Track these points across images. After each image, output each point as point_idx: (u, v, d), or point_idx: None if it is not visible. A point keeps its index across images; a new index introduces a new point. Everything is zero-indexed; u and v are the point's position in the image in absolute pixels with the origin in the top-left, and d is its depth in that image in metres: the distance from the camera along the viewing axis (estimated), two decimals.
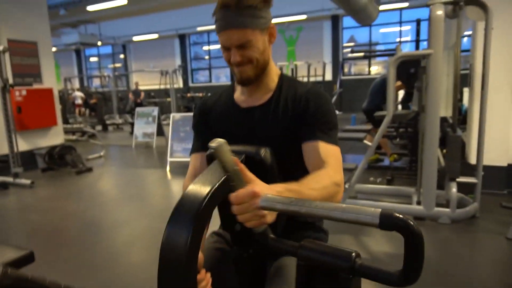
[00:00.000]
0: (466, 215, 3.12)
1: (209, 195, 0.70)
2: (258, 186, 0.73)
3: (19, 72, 5.77)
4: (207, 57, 17.63)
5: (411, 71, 4.15)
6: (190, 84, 17.34)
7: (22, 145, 5.59)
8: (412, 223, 0.56)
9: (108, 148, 7.83)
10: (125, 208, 4.01)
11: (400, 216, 0.56)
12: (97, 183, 5.24)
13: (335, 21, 14.09)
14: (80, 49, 19.13)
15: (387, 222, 0.56)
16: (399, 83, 4.18)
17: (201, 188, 0.72)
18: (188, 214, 0.68)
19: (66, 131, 7.87)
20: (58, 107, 6.47)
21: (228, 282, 1.05)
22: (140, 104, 10.97)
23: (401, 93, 6.45)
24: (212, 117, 1.16)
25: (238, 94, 1.14)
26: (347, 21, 13.81)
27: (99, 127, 11.35)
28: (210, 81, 17.45)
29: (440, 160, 4.22)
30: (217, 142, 0.72)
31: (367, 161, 3.46)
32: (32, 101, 5.81)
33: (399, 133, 5.93)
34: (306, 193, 0.79)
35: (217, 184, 0.73)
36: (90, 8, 10.70)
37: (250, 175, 0.77)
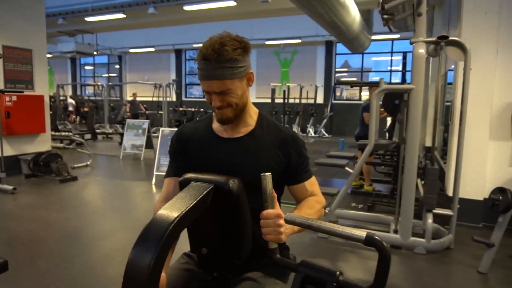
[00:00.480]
0: (441, 246, 3.20)
1: (175, 221, 0.77)
2: (279, 209, 0.98)
3: (11, 78, 5.79)
4: None
5: (396, 102, 4.30)
6: (184, 98, 17.44)
7: (8, 150, 5.56)
8: (386, 245, 0.78)
9: (95, 158, 7.80)
10: (108, 220, 3.99)
11: (378, 238, 0.78)
12: (81, 192, 5.22)
13: (329, 46, 14.48)
14: (76, 57, 19.17)
15: (370, 241, 0.78)
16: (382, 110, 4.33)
17: (169, 214, 0.78)
18: (154, 238, 0.74)
19: (54, 138, 7.83)
20: (47, 114, 6.47)
21: None
22: (137, 116, 11.05)
23: (389, 120, 6.63)
24: (190, 145, 1.22)
25: (217, 126, 1.22)
26: (341, 47, 14.20)
27: (88, 136, 11.30)
28: (204, 96, 17.58)
29: (420, 190, 4.33)
30: (267, 174, 0.94)
31: (349, 187, 3.54)
32: (22, 107, 5.81)
33: (383, 160, 6.08)
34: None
35: (184, 212, 0.79)
36: (89, 19, 10.82)
37: (277, 203, 0.99)
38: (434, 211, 3.29)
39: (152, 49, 16.83)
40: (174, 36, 15.87)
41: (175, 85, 13.62)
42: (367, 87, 6.75)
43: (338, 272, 0.84)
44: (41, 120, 6.21)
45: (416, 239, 3.20)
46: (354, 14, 6.45)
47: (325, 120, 13.48)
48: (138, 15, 10.30)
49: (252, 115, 1.21)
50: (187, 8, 9.29)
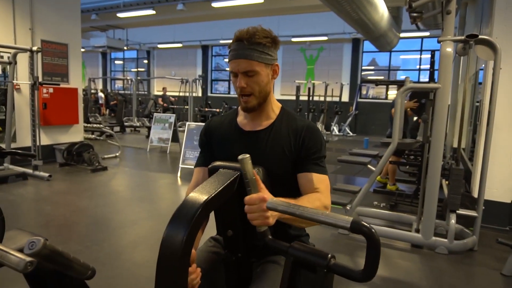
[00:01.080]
0: (463, 247, 3.16)
1: (205, 203, 0.85)
2: (266, 193, 0.96)
3: (48, 71, 6.11)
4: (227, 68, 17.98)
5: (422, 101, 4.26)
6: (209, 94, 17.69)
7: (44, 139, 5.88)
8: (373, 231, 0.73)
9: (124, 149, 8.09)
10: (134, 209, 4.18)
11: (366, 224, 0.74)
12: (110, 182, 5.46)
13: (356, 44, 14.27)
14: (107, 52, 19.81)
15: (356, 227, 0.74)
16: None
17: (199, 197, 0.87)
18: (186, 217, 0.83)
19: (86, 130, 8.18)
20: (81, 106, 6.78)
21: (219, 280, 1.20)
22: (168, 109, 11.44)
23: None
24: (215, 138, 1.32)
25: (241, 119, 1.30)
26: (368, 45, 13.97)
27: (117, 128, 11.70)
28: (229, 92, 17.78)
29: (445, 191, 4.27)
30: (243, 155, 0.93)
31: (371, 185, 3.55)
32: (58, 99, 6.13)
33: (408, 160, 5.99)
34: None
35: (213, 195, 0.88)
36: (120, 15, 11.18)
37: (262, 185, 0.98)
38: (458, 211, 3.25)
39: (180, 45, 17.14)
40: (201, 32, 16.09)
41: (201, 81, 13.84)
42: (396, 86, 6.67)
43: (329, 255, 0.81)
44: (74, 112, 6.52)
45: (438, 239, 3.18)
46: (382, 11, 6.37)
47: (350, 119, 13.33)
48: (167, 11, 10.55)
49: (275, 109, 1.28)
50: (215, 4, 9.43)
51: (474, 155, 4.06)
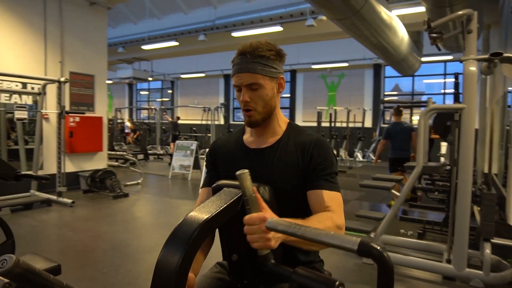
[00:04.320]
0: (502, 280, 2.90)
1: (203, 223, 0.80)
2: (268, 213, 0.87)
3: (76, 101, 6.37)
4: None
5: (448, 124, 4.09)
6: (231, 122, 17.90)
7: (69, 166, 6.05)
8: (385, 254, 0.63)
9: (146, 176, 8.18)
10: (154, 235, 4.14)
11: (376, 246, 0.64)
12: (131, 208, 5.47)
13: (377, 69, 14.21)
14: (133, 83, 20.60)
15: (364, 249, 0.64)
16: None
17: (198, 216, 0.82)
18: (182, 239, 0.78)
19: (110, 157, 8.37)
20: (105, 134, 6.97)
21: None
22: (176, 136, 11.71)
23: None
24: (220, 156, 1.27)
25: (247, 136, 1.25)
26: (390, 70, 13.87)
27: (141, 156, 11.92)
28: None
29: (477, 218, 4.01)
30: (242, 170, 0.86)
31: (396, 211, 3.37)
32: (83, 127, 6.34)
33: (436, 186, 5.73)
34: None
35: (213, 214, 0.82)
36: (145, 47, 11.67)
37: (263, 203, 0.89)
38: (492, 240, 3.01)
39: (202, 75, 17.62)
40: (223, 61, 16.50)
41: (223, 109, 14.05)
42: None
43: (337, 282, 0.72)
44: (99, 140, 6.70)
45: (473, 270, 2.94)
46: (401, 35, 6.33)
47: (373, 145, 13.05)
48: (190, 42, 10.93)
49: (281, 125, 1.22)
50: (235, 34, 9.69)
51: (507, 179, 3.81)
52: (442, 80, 13.67)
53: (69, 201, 5.20)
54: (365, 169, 11.02)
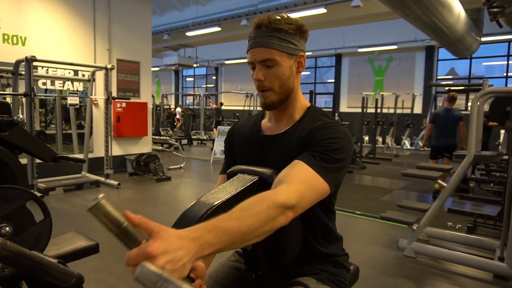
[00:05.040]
0: None
1: (213, 208, 0.76)
2: (156, 243, 0.58)
3: (122, 87, 6.63)
4: None
5: (508, 109, 3.72)
6: None
7: (117, 150, 6.34)
8: None
9: (189, 161, 8.40)
10: None
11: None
12: (173, 191, 5.65)
13: (430, 52, 13.29)
14: (179, 70, 21.12)
15: None
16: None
17: (209, 201, 0.78)
18: (190, 222, 0.74)
19: (155, 142, 8.68)
20: (150, 119, 7.22)
21: None
22: (219, 122, 11.92)
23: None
24: (236, 141, 1.19)
25: (265, 121, 1.15)
26: (444, 52, 12.92)
27: (185, 141, 12.27)
28: None
29: None
30: (95, 199, 0.58)
31: (443, 203, 3.14)
32: (130, 112, 6.60)
33: (491, 177, 5.30)
34: (226, 226, 0.67)
35: (224, 200, 0.78)
36: (189, 33, 11.85)
37: (152, 226, 0.61)
38: None
39: (245, 60, 17.58)
40: None
41: None
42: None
43: None
44: (144, 125, 6.96)
45: None
46: (458, 12, 5.81)
47: (423, 132, 12.34)
48: (232, 28, 10.90)
49: (300, 110, 1.09)
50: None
51: None
52: (505, 62, 12.48)
53: (116, 183, 5.47)
54: (413, 157, 10.49)
